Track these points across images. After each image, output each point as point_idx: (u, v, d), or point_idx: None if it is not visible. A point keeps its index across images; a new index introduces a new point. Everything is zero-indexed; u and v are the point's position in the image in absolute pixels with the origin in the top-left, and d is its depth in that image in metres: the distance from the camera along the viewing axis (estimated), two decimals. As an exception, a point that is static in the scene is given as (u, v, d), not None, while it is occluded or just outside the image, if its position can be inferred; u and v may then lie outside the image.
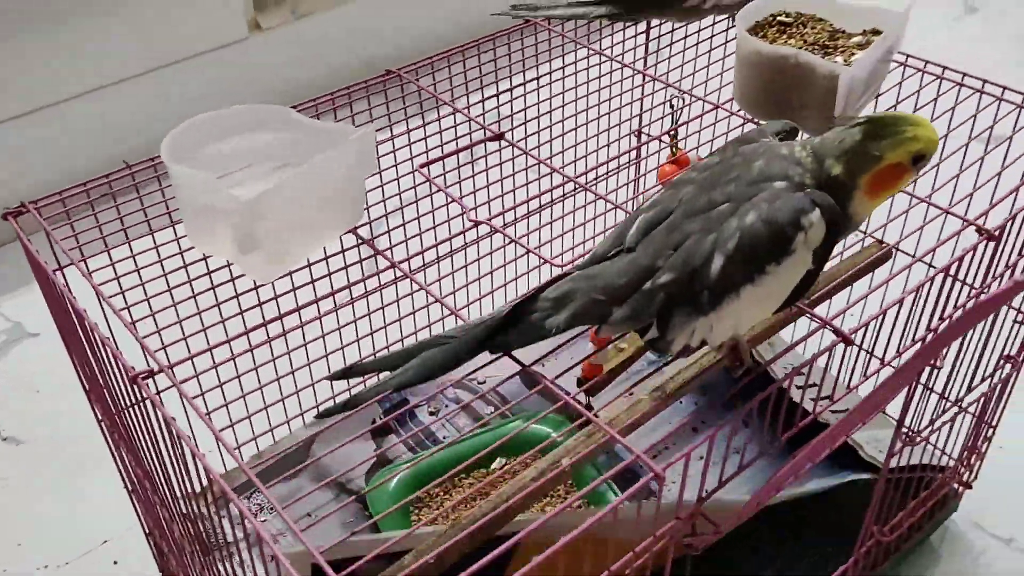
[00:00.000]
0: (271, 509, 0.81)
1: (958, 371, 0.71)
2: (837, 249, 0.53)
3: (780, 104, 0.65)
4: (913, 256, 0.62)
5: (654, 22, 0.85)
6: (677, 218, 0.50)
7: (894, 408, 0.78)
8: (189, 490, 0.54)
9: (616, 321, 0.50)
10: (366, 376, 0.56)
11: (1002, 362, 0.73)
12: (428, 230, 0.71)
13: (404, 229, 0.71)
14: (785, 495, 0.74)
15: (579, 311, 0.50)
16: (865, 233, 0.69)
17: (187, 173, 0.52)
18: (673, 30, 0.86)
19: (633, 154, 0.91)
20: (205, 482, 0.48)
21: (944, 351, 0.55)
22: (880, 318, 0.55)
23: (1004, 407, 0.78)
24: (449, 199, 0.61)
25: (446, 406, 0.90)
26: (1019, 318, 0.73)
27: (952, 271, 0.58)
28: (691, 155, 0.81)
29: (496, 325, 0.51)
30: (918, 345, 0.56)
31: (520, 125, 0.80)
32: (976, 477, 0.82)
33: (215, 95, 1.21)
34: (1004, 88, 0.68)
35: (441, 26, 1.36)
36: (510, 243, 0.66)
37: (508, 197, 0.73)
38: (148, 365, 0.50)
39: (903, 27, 0.66)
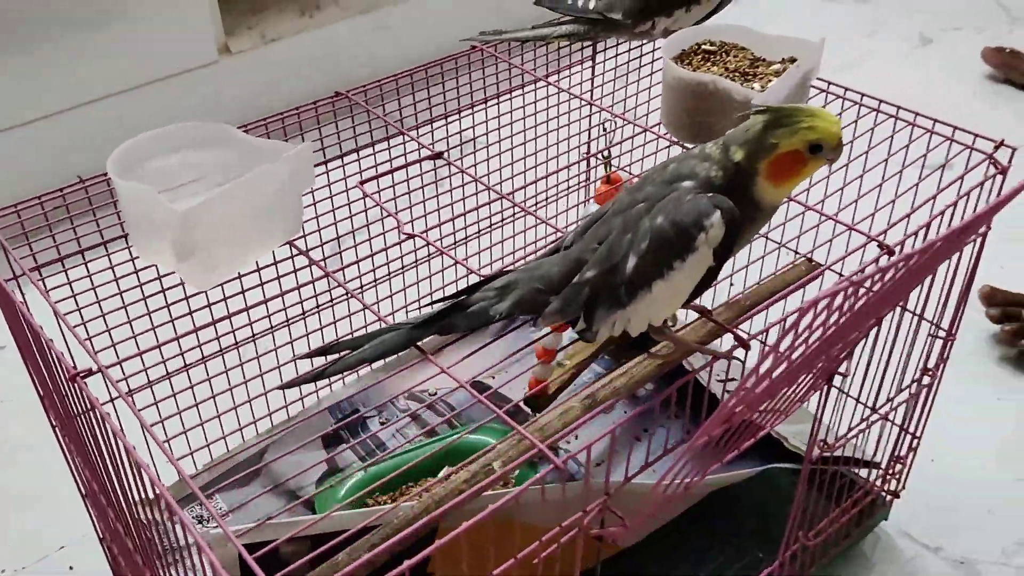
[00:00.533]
0: (221, 515, 0.83)
1: (874, 378, 0.75)
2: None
3: (702, 127, 0.69)
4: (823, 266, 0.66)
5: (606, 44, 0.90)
6: (607, 216, 0.55)
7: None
8: (138, 497, 0.56)
9: (550, 312, 0.55)
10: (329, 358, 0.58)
11: (919, 374, 0.77)
12: (379, 251, 0.74)
13: (356, 250, 0.75)
14: (708, 484, 0.77)
15: (520, 299, 0.55)
16: (797, 252, 0.74)
17: (130, 187, 0.55)
18: (617, 55, 0.91)
19: (582, 178, 0.95)
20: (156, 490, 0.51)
21: (838, 353, 0.59)
22: (783, 324, 0.58)
23: (927, 418, 0.81)
24: (384, 214, 0.64)
25: (397, 416, 0.93)
26: (937, 333, 0.76)
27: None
28: (623, 174, 0.85)
29: (445, 309, 0.55)
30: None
31: (469, 150, 0.83)
32: (904, 487, 0.86)
33: (183, 117, 1.23)
34: (955, 128, 0.72)
35: (411, 52, 1.40)
36: (451, 265, 0.69)
37: (454, 219, 0.76)
38: (95, 367, 0.53)
39: (818, 57, 0.70)
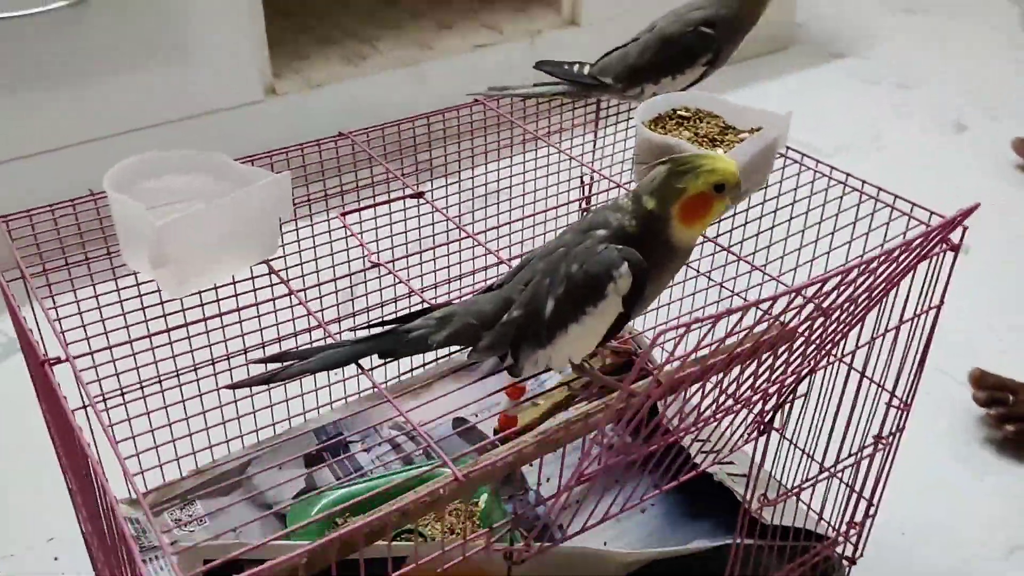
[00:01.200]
0: (200, 520, 0.88)
1: (819, 433, 0.77)
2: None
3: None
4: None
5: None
6: (534, 260, 0.60)
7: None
8: (112, 498, 0.60)
9: (482, 347, 0.59)
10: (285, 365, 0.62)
11: (872, 440, 0.79)
12: (343, 276, 0.79)
13: (335, 283, 0.80)
14: (663, 552, 0.80)
15: (456, 332, 0.59)
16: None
17: (120, 199, 0.61)
18: (607, 118, 0.96)
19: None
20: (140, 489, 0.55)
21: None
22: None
23: (883, 486, 0.82)
24: (358, 243, 0.70)
25: (378, 443, 0.97)
26: (893, 402, 0.78)
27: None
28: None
29: (388, 332, 0.60)
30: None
31: (453, 192, 0.89)
32: (861, 554, 0.87)
33: (226, 152, 1.33)
34: (913, 205, 0.74)
35: (444, 103, 1.47)
36: (412, 296, 0.74)
37: (421, 253, 0.81)
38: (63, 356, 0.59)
39: (785, 128, 0.74)
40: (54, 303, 0.70)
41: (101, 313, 0.75)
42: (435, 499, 0.55)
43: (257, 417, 0.88)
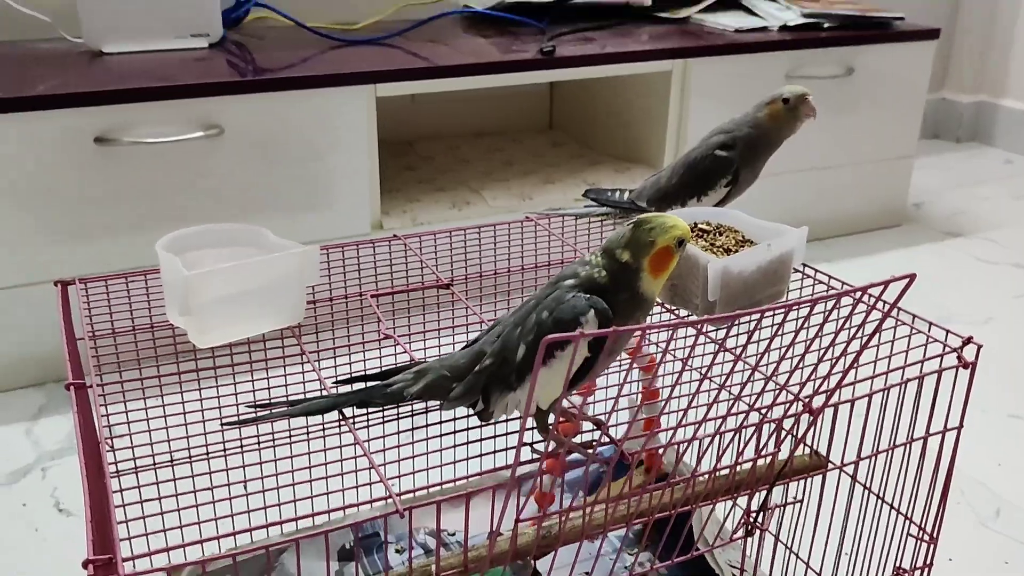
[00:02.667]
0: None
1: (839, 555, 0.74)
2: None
3: (678, 289, 0.76)
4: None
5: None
6: (507, 316, 0.65)
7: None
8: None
9: (455, 396, 0.63)
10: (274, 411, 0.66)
11: (893, 571, 0.75)
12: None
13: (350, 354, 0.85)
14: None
15: (430, 384, 0.64)
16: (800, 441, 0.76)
17: (165, 256, 0.69)
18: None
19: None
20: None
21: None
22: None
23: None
24: (379, 321, 0.75)
25: (413, 547, 0.99)
26: (916, 533, 0.75)
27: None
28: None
29: (370, 386, 0.64)
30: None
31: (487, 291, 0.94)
32: None
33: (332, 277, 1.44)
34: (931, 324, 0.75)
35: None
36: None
37: (449, 343, 0.86)
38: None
39: (799, 243, 0.76)
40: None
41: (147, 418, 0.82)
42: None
43: (298, 507, 0.92)
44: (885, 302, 0.57)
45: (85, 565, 0.47)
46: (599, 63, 1.59)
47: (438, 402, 0.64)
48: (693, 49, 1.64)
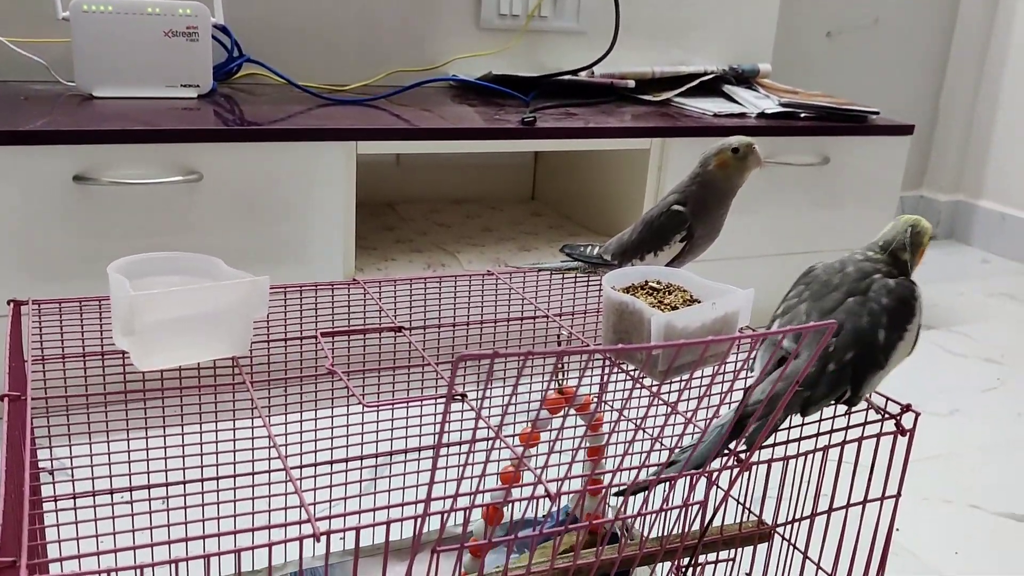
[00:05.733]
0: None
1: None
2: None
3: (621, 343, 0.76)
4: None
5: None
6: (815, 317, 0.75)
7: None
8: None
9: (817, 399, 0.71)
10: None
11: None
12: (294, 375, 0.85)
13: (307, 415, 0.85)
14: None
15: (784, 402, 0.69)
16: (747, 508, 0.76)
17: (114, 276, 0.70)
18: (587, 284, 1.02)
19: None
20: None
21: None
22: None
23: None
24: (328, 359, 0.75)
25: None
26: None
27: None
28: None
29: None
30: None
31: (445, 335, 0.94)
32: None
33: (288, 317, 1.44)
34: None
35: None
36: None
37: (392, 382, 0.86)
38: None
39: (744, 303, 0.77)
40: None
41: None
42: None
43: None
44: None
45: (-12, 566, 0.46)
46: (579, 136, 1.62)
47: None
48: (672, 129, 1.68)
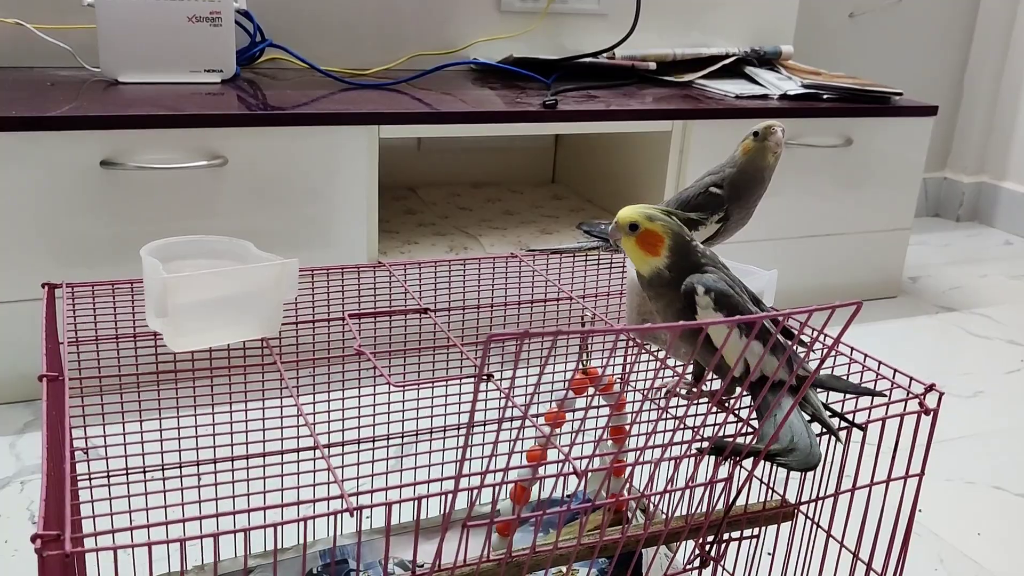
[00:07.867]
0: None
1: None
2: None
3: (644, 323, 0.77)
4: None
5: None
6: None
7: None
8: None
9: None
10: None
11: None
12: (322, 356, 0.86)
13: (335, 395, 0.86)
14: None
15: None
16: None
17: (147, 259, 0.71)
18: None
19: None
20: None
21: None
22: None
23: None
24: (356, 339, 0.76)
25: None
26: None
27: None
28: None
29: None
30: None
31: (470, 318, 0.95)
32: None
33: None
34: (895, 371, 0.76)
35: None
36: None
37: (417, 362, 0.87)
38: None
39: (768, 284, 0.77)
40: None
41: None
42: None
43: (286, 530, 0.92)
44: (828, 335, 0.58)
45: (34, 539, 0.48)
46: (600, 119, 1.62)
47: None
48: (694, 111, 1.68)
